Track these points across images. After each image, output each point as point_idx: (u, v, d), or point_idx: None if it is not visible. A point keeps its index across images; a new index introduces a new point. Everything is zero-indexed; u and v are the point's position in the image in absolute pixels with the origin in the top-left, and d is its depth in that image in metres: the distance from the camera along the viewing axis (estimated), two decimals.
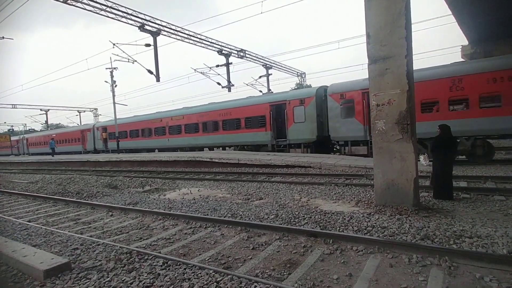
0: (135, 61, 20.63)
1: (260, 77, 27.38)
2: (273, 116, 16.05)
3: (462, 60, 18.46)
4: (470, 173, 8.76)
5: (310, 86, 29.95)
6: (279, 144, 16.19)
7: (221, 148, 19.76)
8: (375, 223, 4.38)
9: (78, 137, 30.89)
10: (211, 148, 20.24)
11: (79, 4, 15.31)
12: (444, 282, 2.77)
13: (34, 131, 52.05)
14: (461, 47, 19.39)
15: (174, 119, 21.20)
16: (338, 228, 4.31)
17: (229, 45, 23.03)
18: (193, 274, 3.11)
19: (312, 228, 4.34)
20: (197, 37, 20.97)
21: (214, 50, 22.40)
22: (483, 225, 4.20)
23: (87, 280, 3.09)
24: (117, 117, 25.05)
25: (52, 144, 28.36)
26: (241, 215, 5.40)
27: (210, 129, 19.00)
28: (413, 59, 5.18)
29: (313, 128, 14.64)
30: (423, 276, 2.89)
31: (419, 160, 9.04)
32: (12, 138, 45.62)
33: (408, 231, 3.98)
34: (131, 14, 17.16)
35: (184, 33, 20.21)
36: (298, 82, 34.04)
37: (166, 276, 3.09)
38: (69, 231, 5.06)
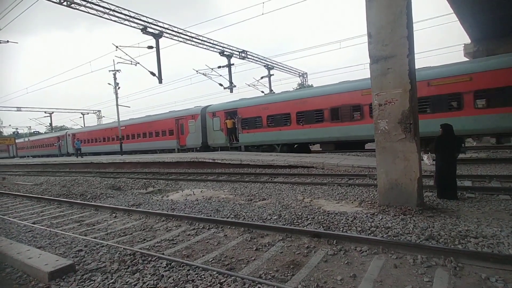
0: (138, 63, 20.72)
1: (262, 77, 27.43)
2: None
3: (466, 59, 18.35)
4: (474, 172, 8.69)
5: (312, 86, 29.57)
6: None
7: None
8: (379, 224, 4.36)
9: (170, 128, 21.41)
10: None
11: (82, 8, 15.44)
12: (449, 283, 2.75)
13: (38, 133, 52.20)
14: (463, 45, 19.27)
15: (441, 82, 10.93)
16: (341, 229, 4.29)
17: (231, 46, 23.10)
18: (196, 275, 3.11)
19: (316, 228, 4.32)
20: (199, 39, 21.05)
21: (216, 52, 22.47)
22: (488, 225, 4.17)
23: (91, 282, 3.10)
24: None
25: (78, 144, 26.20)
26: (244, 216, 5.40)
27: None
28: (415, 58, 5.16)
29: None
30: (428, 277, 2.86)
31: (423, 160, 9.00)
32: (53, 134, 38.53)
33: (413, 231, 3.95)
34: (133, 17, 17.27)
35: (186, 35, 20.29)
36: (300, 82, 34.01)
37: (169, 277, 3.09)
38: (73, 233, 5.08)
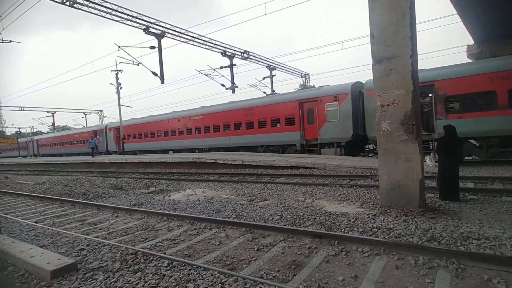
0: (140, 63, 20.78)
1: (264, 78, 27.41)
2: None
3: (470, 60, 18.27)
4: (477, 174, 8.65)
5: (313, 86, 29.38)
6: None
7: None
8: (381, 225, 4.35)
9: (288, 114, 15.03)
10: None
11: (85, 8, 15.51)
12: (451, 284, 2.74)
13: (41, 133, 52.16)
14: (466, 46, 19.19)
15: None
16: (343, 230, 4.28)
17: (233, 46, 23.13)
18: (198, 275, 3.12)
19: (317, 229, 4.32)
20: (201, 39, 21.08)
21: (218, 52, 22.50)
22: (490, 226, 4.15)
23: (93, 281, 3.12)
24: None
25: (92, 143, 24.74)
26: (245, 216, 5.40)
27: None
28: (418, 59, 5.15)
29: None
30: (429, 278, 2.86)
31: (425, 161, 8.97)
32: (89, 129, 32.89)
33: (414, 232, 3.94)
34: (136, 17, 17.33)
35: (188, 35, 20.33)
36: (302, 83, 33.96)
37: (171, 277, 3.10)
38: (75, 232, 5.10)
